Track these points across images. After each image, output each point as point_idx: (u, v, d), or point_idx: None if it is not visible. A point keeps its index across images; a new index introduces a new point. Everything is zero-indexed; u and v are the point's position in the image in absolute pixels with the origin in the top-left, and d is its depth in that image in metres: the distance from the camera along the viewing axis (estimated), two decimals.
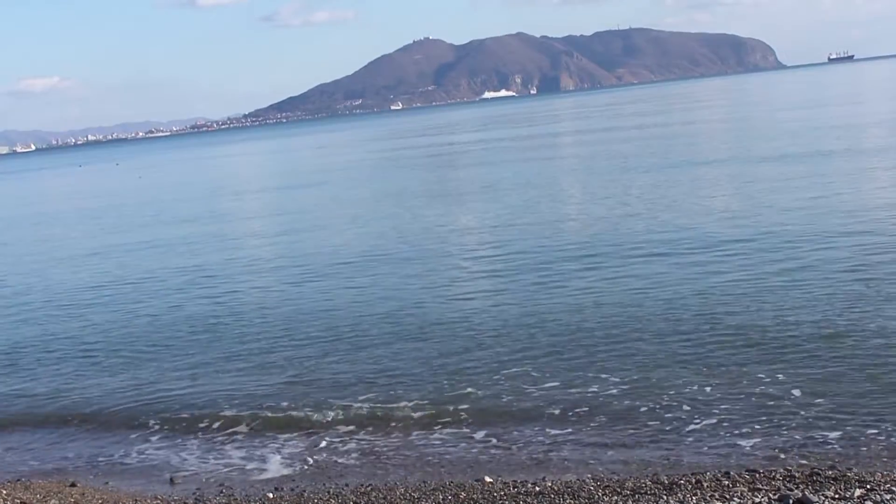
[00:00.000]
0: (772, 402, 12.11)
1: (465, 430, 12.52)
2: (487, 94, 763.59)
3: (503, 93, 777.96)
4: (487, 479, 10.83)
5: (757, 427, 11.46)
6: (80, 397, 15.99)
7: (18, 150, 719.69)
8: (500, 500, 9.90)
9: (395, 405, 13.66)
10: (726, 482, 9.65)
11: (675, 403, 12.48)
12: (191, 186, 68.58)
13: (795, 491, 9.15)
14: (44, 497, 11.54)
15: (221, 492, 11.45)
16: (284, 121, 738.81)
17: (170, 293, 24.44)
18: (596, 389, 13.33)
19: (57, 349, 19.56)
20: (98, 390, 16.27)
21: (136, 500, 11.36)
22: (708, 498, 9.24)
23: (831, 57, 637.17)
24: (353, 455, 12.20)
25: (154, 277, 27.31)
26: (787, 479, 9.59)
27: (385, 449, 12.26)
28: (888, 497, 8.83)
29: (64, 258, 34.31)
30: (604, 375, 13.88)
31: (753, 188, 32.15)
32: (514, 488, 10.24)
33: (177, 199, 58.32)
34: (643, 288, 18.91)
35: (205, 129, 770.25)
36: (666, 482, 9.83)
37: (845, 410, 11.63)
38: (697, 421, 11.86)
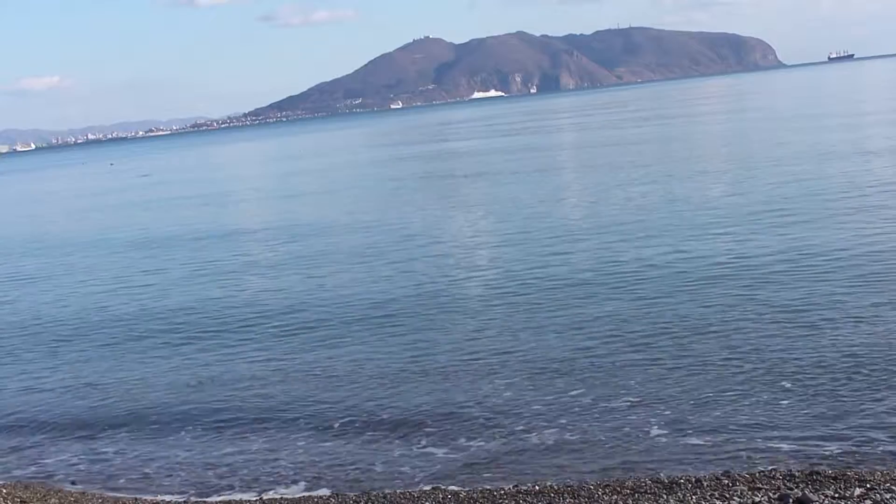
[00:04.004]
0: (771, 401, 12.10)
1: (465, 429, 12.50)
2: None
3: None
4: (487, 477, 10.84)
5: (757, 426, 11.44)
6: (81, 396, 16.00)
7: (18, 148, 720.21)
8: (500, 499, 9.90)
9: (394, 405, 13.66)
10: (726, 481, 9.65)
11: (674, 402, 12.48)
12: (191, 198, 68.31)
13: (795, 490, 9.15)
14: (44, 496, 11.54)
15: (222, 491, 11.46)
16: (284, 119, 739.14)
17: (166, 295, 24.44)
18: (595, 389, 13.32)
19: (57, 349, 19.56)
20: (98, 390, 16.27)
21: (136, 500, 11.37)
22: (708, 497, 9.25)
23: (831, 56, 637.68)
24: (353, 454, 12.19)
25: (151, 280, 27.33)
26: (787, 478, 9.59)
27: (384, 448, 12.24)
28: (888, 496, 8.83)
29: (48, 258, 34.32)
30: (603, 375, 13.88)
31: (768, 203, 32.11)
32: (513, 488, 10.25)
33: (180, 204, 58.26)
34: (643, 289, 18.91)
35: (205, 127, 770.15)
36: (666, 481, 9.84)
37: (845, 409, 11.62)
38: (697, 420, 11.85)
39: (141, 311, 22.32)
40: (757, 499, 9.06)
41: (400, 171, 61.12)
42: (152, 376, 16.63)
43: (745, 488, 9.39)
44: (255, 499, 11.04)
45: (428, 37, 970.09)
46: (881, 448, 10.51)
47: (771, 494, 9.12)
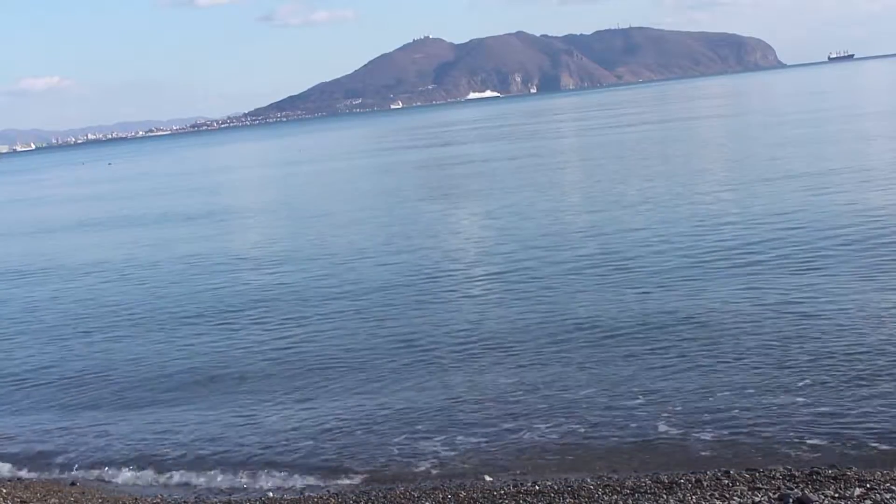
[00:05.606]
0: (771, 401, 12.10)
1: (465, 428, 12.51)
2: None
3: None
4: (487, 478, 10.84)
5: (757, 426, 11.44)
6: (80, 398, 16.02)
7: (18, 148, 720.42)
8: (500, 499, 9.90)
9: (393, 403, 13.66)
10: (726, 481, 9.66)
11: (674, 402, 12.48)
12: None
13: (795, 490, 9.15)
14: (44, 496, 11.54)
15: (221, 491, 11.46)
16: (284, 119, 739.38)
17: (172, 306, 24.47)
18: (596, 389, 13.33)
19: (60, 348, 19.57)
20: (97, 392, 16.29)
21: (136, 500, 11.38)
22: (708, 497, 9.25)
23: (831, 56, 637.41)
24: (353, 454, 12.18)
25: (151, 284, 27.36)
26: (787, 478, 9.59)
27: (384, 448, 12.24)
28: (888, 496, 8.83)
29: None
30: (604, 376, 13.88)
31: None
32: (514, 488, 10.25)
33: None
34: (645, 292, 18.93)
35: (205, 128, 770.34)
36: (666, 481, 9.83)
37: (845, 409, 11.61)
38: (697, 420, 11.85)
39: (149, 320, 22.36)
40: (757, 499, 9.07)
41: (401, 175, 61.14)
42: (153, 382, 16.64)
43: (745, 488, 9.39)
44: (255, 498, 11.05)
45: (428, 37, 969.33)
46: (882, 448, 10.51)
47: (771, 494, 9.12)
